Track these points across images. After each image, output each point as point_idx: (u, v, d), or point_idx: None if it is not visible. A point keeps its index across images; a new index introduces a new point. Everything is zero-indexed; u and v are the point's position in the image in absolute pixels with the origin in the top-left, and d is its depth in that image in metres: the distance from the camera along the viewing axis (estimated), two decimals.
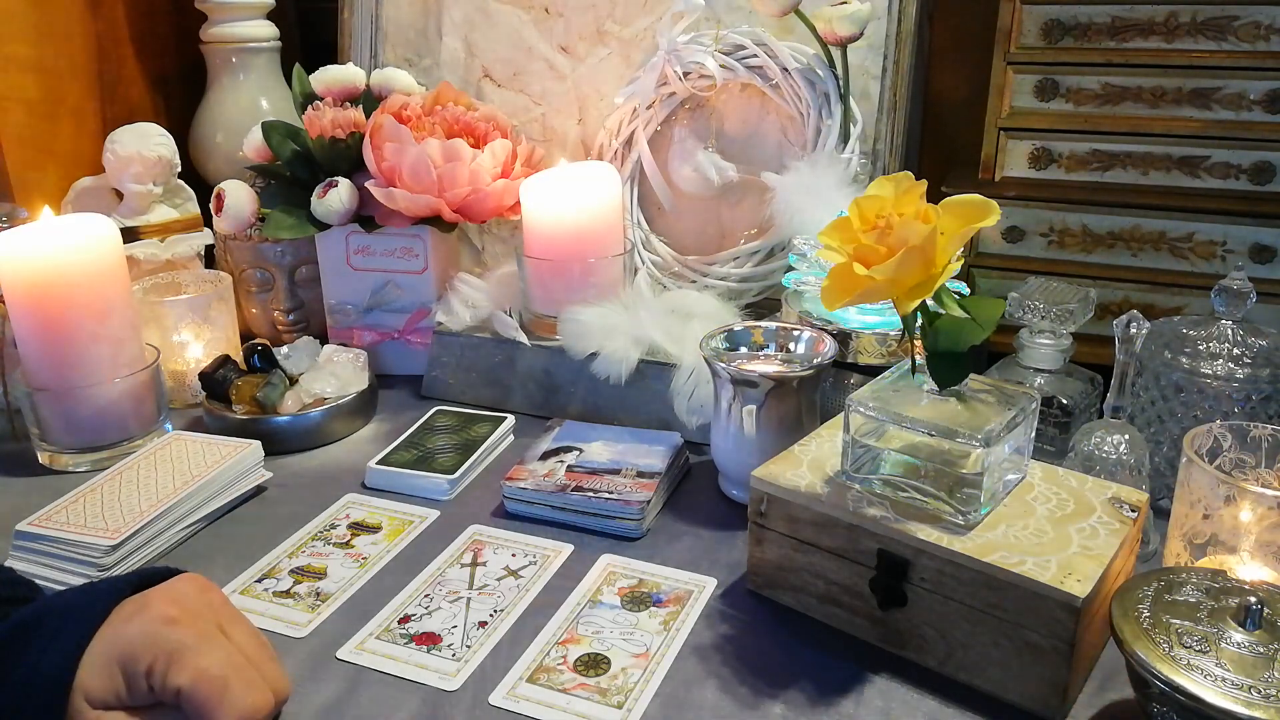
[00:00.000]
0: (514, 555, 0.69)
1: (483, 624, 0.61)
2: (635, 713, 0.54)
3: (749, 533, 0.63)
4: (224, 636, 0.48)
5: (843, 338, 0.78)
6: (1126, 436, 0.66)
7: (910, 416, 0.58)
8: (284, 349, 0.90)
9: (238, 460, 0.76)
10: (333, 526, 0.73)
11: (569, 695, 0.55)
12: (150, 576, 0.51)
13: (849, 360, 0.78)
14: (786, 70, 0.95)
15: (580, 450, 0.78)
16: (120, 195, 1.03)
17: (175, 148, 1.03)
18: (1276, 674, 0.45)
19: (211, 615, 0.49)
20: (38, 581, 0.57)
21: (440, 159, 0.90)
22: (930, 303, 0.56)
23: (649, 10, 1.04)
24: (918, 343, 0.59)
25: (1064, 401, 0.73)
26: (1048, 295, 0.73)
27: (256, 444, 0.79)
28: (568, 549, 0.69)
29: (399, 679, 0.57)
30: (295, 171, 0.98)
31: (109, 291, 0.80)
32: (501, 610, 0.63)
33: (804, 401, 0.72)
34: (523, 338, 0.91)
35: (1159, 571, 0.53)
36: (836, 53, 0.92)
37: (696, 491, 0.78)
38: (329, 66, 1.01)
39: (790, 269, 0.86)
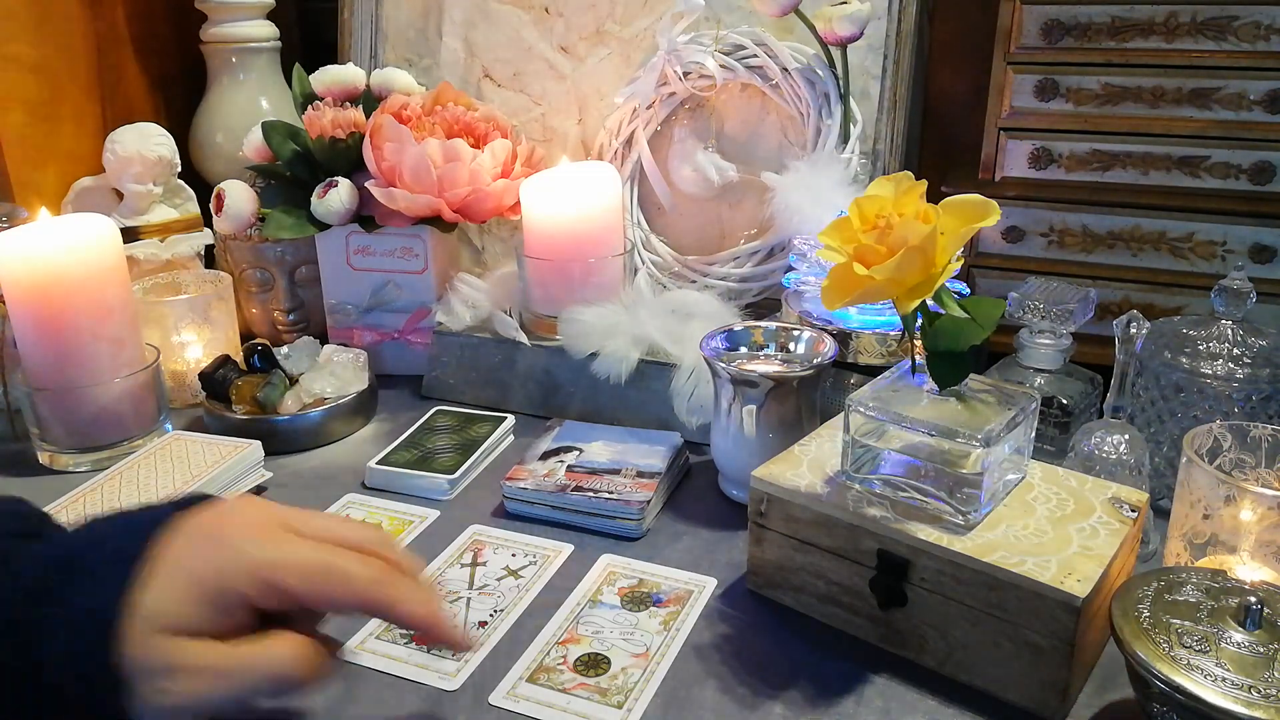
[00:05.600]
0: (514, 555, 0.69)
1: (483, 624, 0.61)
2: (635, 713, 0.54)
3: (749, 533, 0.63)
4: (294, 531, 0.46)
5: (843, 338, 0.78)
6: (1126, 436, 0.66)
7: (910, 416, 0.58)
8: (284, 349, 0.90)
9: (238, 460, 0.76)
10: None
11: (569, 695, 0.55)
12: (182, 504, 0.48)
13: (849, 360, 0.79)
14: (786, 70, 0.95)
15: (580, 450, 0.78)
16: (120, 195, 1.04)
17: (175, 148, 1.03)
18: (1276, 674, 0.45)
19: (269, 513, 0.47)
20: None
21: (440, 159, 0.90)
22: (930, 303, 0.56)
23: (649, 10, 1.04)
24: (918, 343, 0.59)
25: (1064, 401, 0.73)
26: (1048, 295, 0.73)
27: (256, 444, 0.79)
28: (568, 549, 0.69)
29: (399, 679, 0.57)
30: (295, 171, 0.98)
31: (109, 291, 0.80)
32: (501, 610, 0.63)
33: (804, 401, 0.72)
34: (523, 338, 0.91)
35: (1159, 571, 0.53)
36: (836, 53, 0.92)
37: (696, 491, 0.78)
38: (329, 66, 1.01)
39: (790, 269, 0.86)
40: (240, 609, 0.44)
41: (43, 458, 0.83)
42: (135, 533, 0.44)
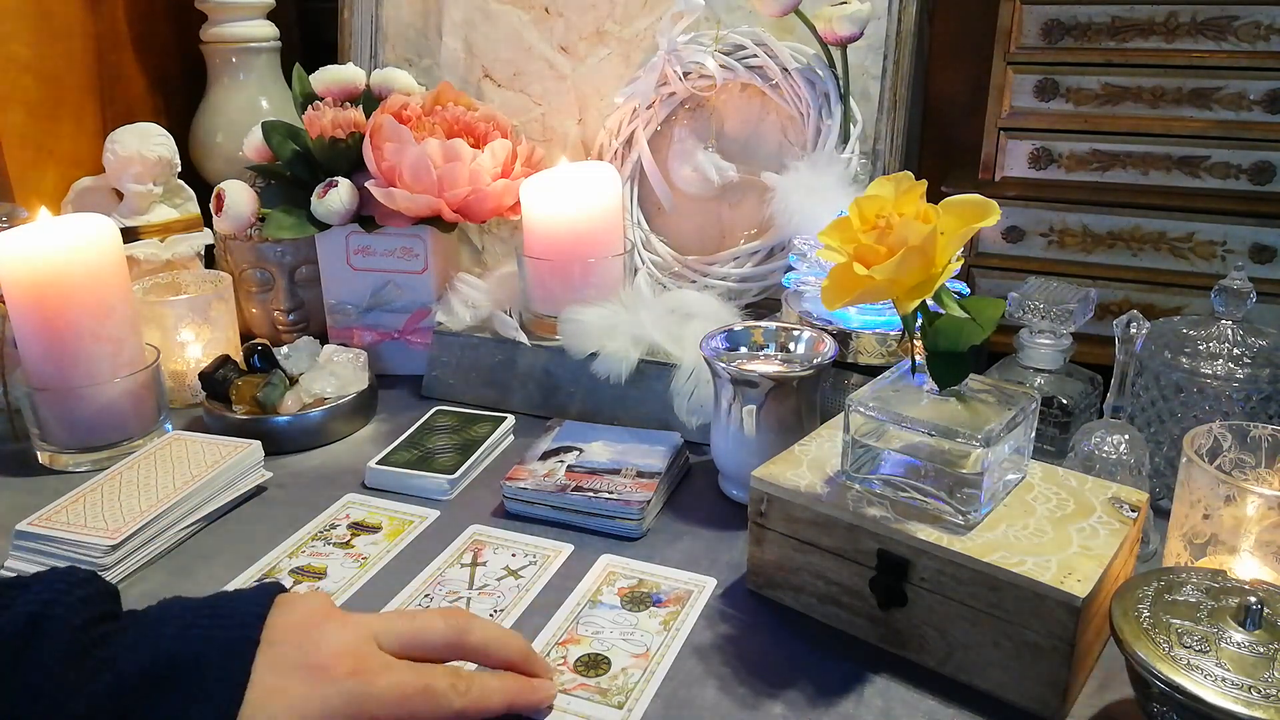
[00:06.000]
0: (514, 555, 0.69)
1: None
2: (636, 713, 0.54)
3: (749, 533, 0.63)
4: (374, 644, 0.49)
5: (843, 338, 0.78)
6: (1126, 436, 0.66)
7: (910, 416, 0.58)
8: (284, 349, 0.90)
9: (238, 460, 0.76)
10: (333, 526, 0.73)
11: (569, 695, 0.55)
12: (265, 594, 0.50)
13: (849, 360, 0.79)
14: (786, 70, 0.95)
15: (580, 450, 0.78)
16: (120, 195, 1.04)
17: (175, 148, 1.03)
18: (1276, 674, 0.45)
19: (365, 640, 0.49)
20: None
21: (440, 159, 0.90)
22: (930, 303, 0.56)
23: (649, 10, 1.04)
24: (918, 343, 0.59)
25: (1064, 401, 0.73)
26: (1048, 295, 0.73)
27: (256, 444, 0.79)
28: (568, 549, 0.69)
29: None
30: (295, 171, 0.98)
31: (109, 291, 0.80)
32: (501, 610, 0.63)
33: (804, 401, 0.72)
34: (523, 338, 0.91)
35: (1159, 571, 0.53)
36: (836, 53, 0.92)
37: (696, 491, 0.78)
38: (329, 66, 1.01)
39: (790, 269, 0.86)
40: None
41: (43, 458, 0.83)
42: (232, 647, 0.46)
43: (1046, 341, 0.74)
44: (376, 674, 0.47)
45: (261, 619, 0.47)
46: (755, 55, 0.96)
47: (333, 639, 0.48)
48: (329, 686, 0.46)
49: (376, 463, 0.79)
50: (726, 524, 0.72)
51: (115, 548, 0.66)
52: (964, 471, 0.56)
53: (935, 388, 0.59)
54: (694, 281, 1.01)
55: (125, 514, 0.69)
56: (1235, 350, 0.70)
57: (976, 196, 0.54)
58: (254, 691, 0.44)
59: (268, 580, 0.51)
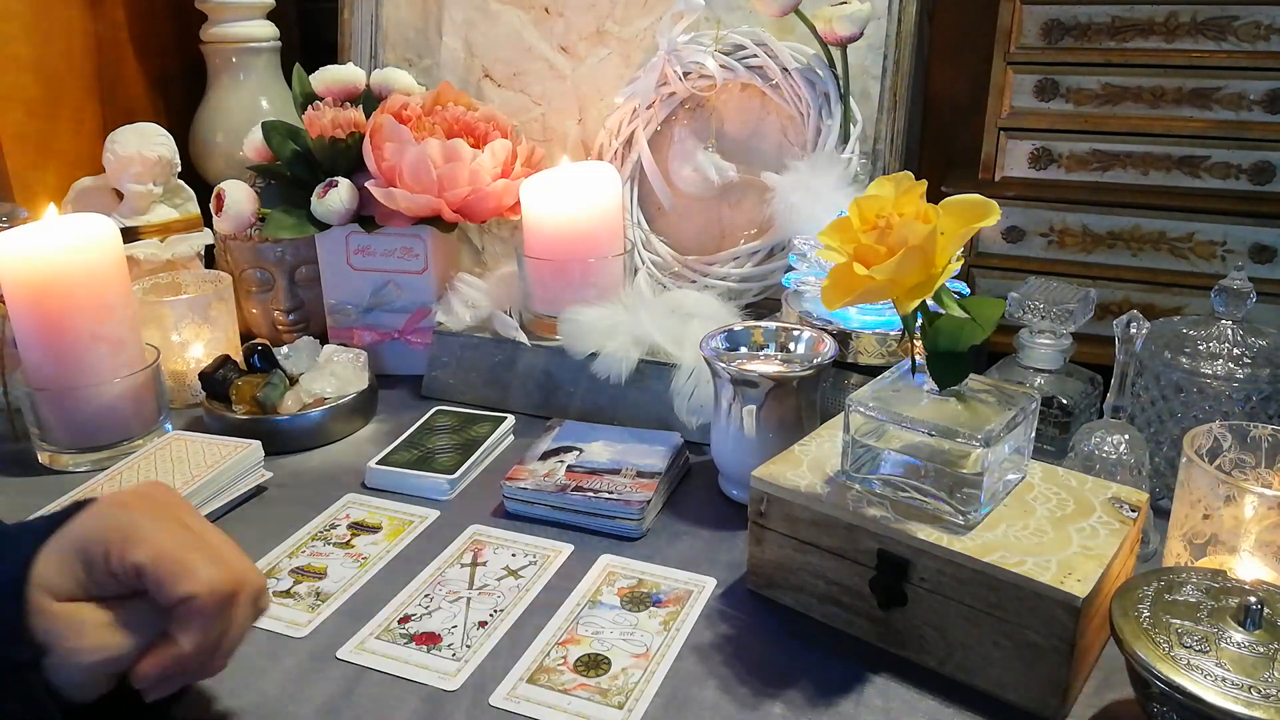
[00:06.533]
0: (514, 555, 0.69)
1: (483, 624, 0.61)
2: (636, 713, 0.54)
3: (749, 533, 0.63)
4: (183, 526, 0.47)
5: (843, 338, 0.78)
6: (1126, 436, 0.66)
7: (910, 416, 0.58)
8: (284, 349, 0.90)
9: (238, 460, 0.76)
10: (333, 526, 0.73)
11: (569, 696, 0.55)
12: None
13: (849, 360, 0.79)
14: (786, 70, 0.95)
15: (580, 450, 0.78)
16: (120, 195, 1.03)
17: (175, 148, 1.03)
18: (1276, 674, 0.45)
19: (170, 508, 0.48)
20: None
21: (440, 159, 0.90)
22: (930, 303, 0.56)
23: (649, 10, 1.04)
24: (918, 343, 0.59)
25: (1064, 401, 0.73)
26: (1048, 295, 0.73)
27: (256, 444, 0.79)
28: (568, 549, 0.69)
29: (399, 679, 0.57)
30: (295, 171, 0.98)
31: (109, 291, 0.80)
32: (501, 610, 0.63)
33: (804, 401, 0.72)
34: (523, 338, 0.91)
35: (1159, 571, 0.53)
36: (836, 53, 0.92)
37: (696, 491, 0.78)
38: (329, 66, 1.01)
39: (790, 269, 0.86)
40: (108, 574, 0.44)
41: (43, 458, 0.83)
42: (58, 513, 0.46)
43: (1046, 341, 0.74)
44: (150, 517, 0.46)
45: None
46: (755, 55, 0.96)
47: (142, 496, 0.48)
48: (106, 516, 0.45)
49: (376, 463, 0.79)
50: (726, 524, 0.72)
51: None
52: (964, 471, 0.56)
53: (935, 388, 0.59)
54: (694, 281, 1.01)
55: None
56: (1235, 350, 0.70)
57: (976, 196, 0.54)
58: (56, 538, 0.45)
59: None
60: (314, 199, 0.93)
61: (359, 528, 0.73)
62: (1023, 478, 0.61)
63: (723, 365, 0.72)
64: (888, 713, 0.54)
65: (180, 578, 0.44)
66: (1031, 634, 0.52)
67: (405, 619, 0.62)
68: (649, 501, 0.71)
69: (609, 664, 0.57)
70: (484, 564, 0.68)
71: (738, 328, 0.77)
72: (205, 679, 0.52)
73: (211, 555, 0.46)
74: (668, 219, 1.05)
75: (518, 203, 0.93)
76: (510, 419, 0.87)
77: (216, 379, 0.87)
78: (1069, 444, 0.69)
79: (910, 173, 0.55)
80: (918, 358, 0.61)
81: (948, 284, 0.56)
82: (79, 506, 0.47)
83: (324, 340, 0.97)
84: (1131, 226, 0.92)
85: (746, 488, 0.63)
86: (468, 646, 0.59)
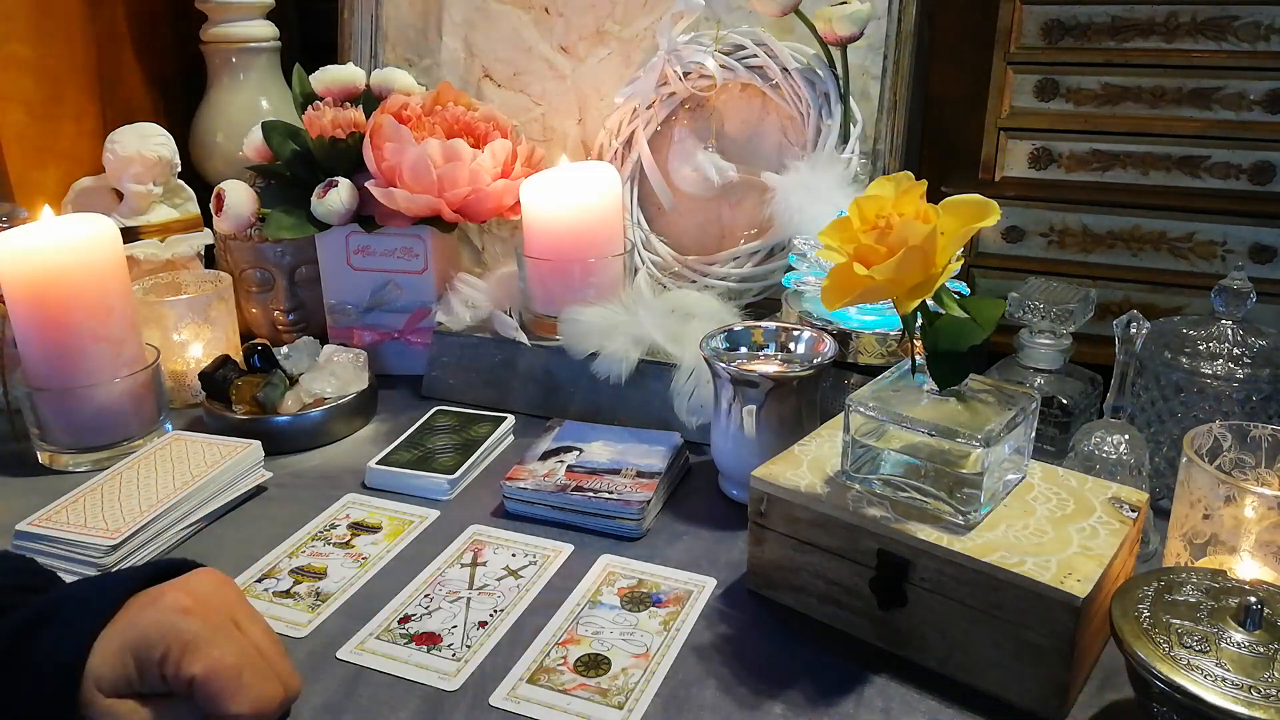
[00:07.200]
0: (514, 555, 0.69)
1: (483, 624, 0.61)
2: (636, 713, 0.54)
3: (749, 533, 0.63)
4: (238, 630, 0.48)
5: (843, 338, 0.78)
6: (1126, 436, 0.66)
7: (910, 416, 0.58)
8: (284, 349, 0.90)
9: (238, 460, 0.76)
10: (333, 526, 0.73)
11: (569, 696, 0.55)
12: (165, 569, 0.50)
13: (849, 360, 0.79)
14: (786, 70, 0.95)
15: (580, 450, 0.78)
16: (120, 195, 1.04)
17: (175, 148, 1.03)
18: (1276, 674, 0.45)
19: (227, 609, 0.49)
20: None
21: (440, 159, 0.90)
22: (930, 303, 0.56)
23: (649, 10, 1.04)
24: (918, 343, 0.59)
25: (1064, 401, 0.73)
26: (1048, 295, 0.73)
27: (256, 444, 0.79)
28: (568, 549, 0.69)
29: (399, 679, 0.57)
30: (295, 171, 0.98)
31: (109, 291, 0.80)
32: (501, 610, 0.63)
33: (804, 401, 0.72)
34: (523, 338, 0.91)
35: (1159, 571, 0.53)
36: (836, 53, 0.92)
37: (696, 491, 0.78)
38: (329, 66, 1.01)
39: (790, 269, 0.86)
40: (160, 678, 0.45)
41: (43, 458, 0.83)
42: (108, 592, 0.47)
43: (1046, 341, 0.74)
44: (214, 628, 0.46)
45: (158, 571, 0.49)
46: (755, 55, 0.96)
47: (194, 589, 0.48)
48: (162, 615, 0.46)
49: (376, 463, 0.79)
50: (726, 524, 0.72)
51: (115, 548, 0.66)
52: (964, 471, 0.56)
53: (935, 388, 0.59)
54: (694, 281, 1.01)
55: (125, 514, 0.69)
56: (1235, 350, 0.70)
57: (976, 196, 0.54)
58: (110, 626, 0.46)
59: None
60: (314, 199, 0.93)
61: (359, 528, 0.73)
62: (1023, 478, 0.61)
63: (723, 365, 0.72)
64: (888, 713, 0.54)
65: (231, 697, 0.45)
66: (1031, 634, 0.52)
67: (405, 619, 0.62)
68: (649, 501, 0.71)
69: (609, 664, 0.57)
70: (484, 564, 0.68)
71: (738, 328, 0.77)
72: None
73: (261, 672, 0.47)
74: (668, 219, 1.05)
75: (518, 203, 0.93)
76: (510, 419, 0.87)
77: (216, 379, 0.87)
78: (1069, 444, 0.69)
79: (910, 173, 0.55)
80: (918, 358, 0.61)
81: (948, 284, 0.56)
82: (139, 584, 0.48)
83: (324, 340, 0.97)
84: (1131, 226, 0.92)
85: (746, 488, 0.63)
86: (468, 646, 0.59)
